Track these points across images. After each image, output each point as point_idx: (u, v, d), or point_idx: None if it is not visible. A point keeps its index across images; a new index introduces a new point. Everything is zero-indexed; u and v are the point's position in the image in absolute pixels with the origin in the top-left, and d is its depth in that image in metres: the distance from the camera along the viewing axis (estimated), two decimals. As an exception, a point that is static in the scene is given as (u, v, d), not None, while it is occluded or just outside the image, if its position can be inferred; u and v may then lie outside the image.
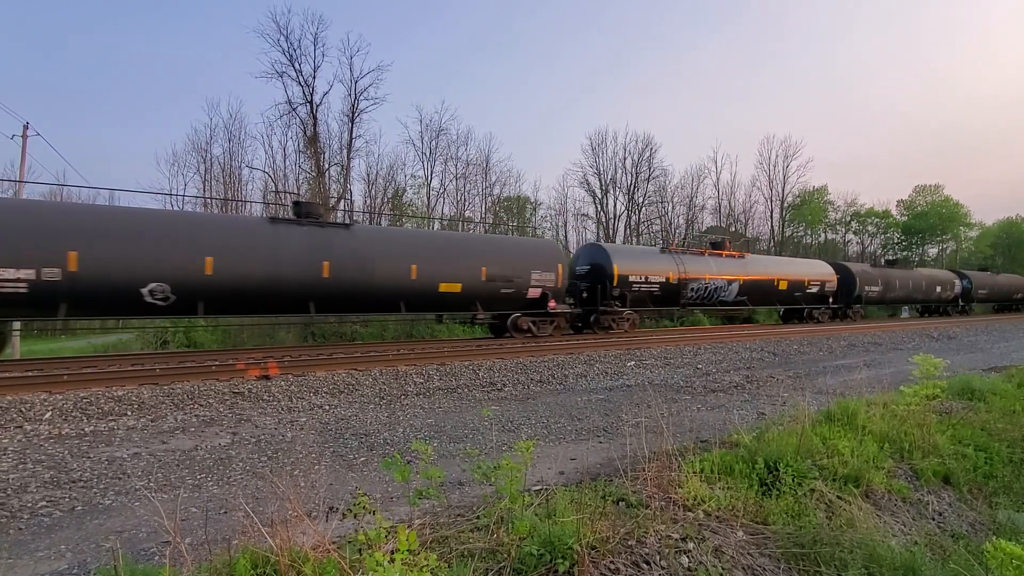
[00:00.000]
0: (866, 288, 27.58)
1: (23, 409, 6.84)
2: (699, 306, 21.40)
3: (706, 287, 20.54)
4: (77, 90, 61.12)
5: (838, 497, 4.68)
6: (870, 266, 29.89)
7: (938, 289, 33.02)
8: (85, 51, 64.34)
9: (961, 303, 35.54)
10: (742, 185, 65.49)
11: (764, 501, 4.34)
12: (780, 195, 49.51)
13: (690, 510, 3.96)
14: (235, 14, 68.44)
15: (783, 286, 23.80)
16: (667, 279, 19.30)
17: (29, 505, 4.18)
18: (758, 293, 22.88)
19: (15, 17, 60.46)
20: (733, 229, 47.76)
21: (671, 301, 20.01)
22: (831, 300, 26.06)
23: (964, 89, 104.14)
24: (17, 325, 14.76)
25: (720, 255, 22.10)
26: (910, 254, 56.04)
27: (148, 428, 6.55)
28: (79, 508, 4.16)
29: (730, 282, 21.42)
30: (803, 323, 25.48)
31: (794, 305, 25.38)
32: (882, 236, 57.69)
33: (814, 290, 25.16)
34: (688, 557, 3.45)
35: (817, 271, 26.08)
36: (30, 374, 9.24)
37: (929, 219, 55.44)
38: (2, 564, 3.26)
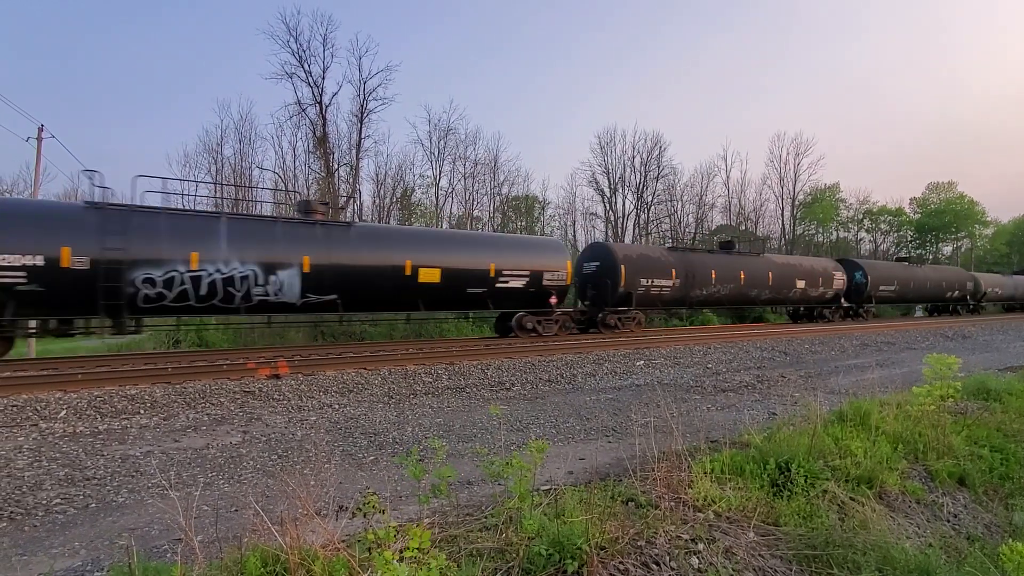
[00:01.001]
0: (643, 282, 17.79)
1: (38, 408, 6.94)
2: (188, 312, 11.47)
3: (197, 278, 11.04)
4: (90, 92, 61.93)
5: (851, 498, 4.63)
6: (667, 250, 20.20)
7: (801, 284, 23.07)
8: (97, 53, 65.17)
9: (845, 303, 26.06)
10: (752, 183, 64.97)
11: (775, 502, 4.30)
12: (791, 193, 49.12)
13: (700, 511, 3.93)
14: (245, 16, 68.98)
15: (430, 278, 13.66)
16: (38, 265, 9.66)
17: (44, 502, 4.23)
18: (367, 287, 13.11)
19: (28, 20, 61.40)
20: (743, 228, 47.46)
21: (77, 304, 10.33)
22: (533, 296, 15.72)
23: (976, 84, 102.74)
24: (33, 323, 14.94)
25: (270, 221, 12.65)
26: (924, 252, 55.40)
27: (160, 426, 6.62)
28: (93, 505, 4.21)
29: (271, 269, 11.83)
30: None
31: (457, 309, 15.49)
32: (895, 234, 57.10)
33: (517, 284, 15.11)
34: (698, 558, 3.43)
35: (528, 258, 15.61)
36: (45, 373, 9.37)
37: (943, 217, 54.77)
38: (18, 560, 3.30)
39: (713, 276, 20.17)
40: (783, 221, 49.12)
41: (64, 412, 6.91)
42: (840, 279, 25.39)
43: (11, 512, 4.03)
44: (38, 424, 6.50)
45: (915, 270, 30.60)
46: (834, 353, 14.83)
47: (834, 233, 53.93)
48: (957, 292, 32.92)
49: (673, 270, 19.04)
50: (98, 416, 6.91)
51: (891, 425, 6.14)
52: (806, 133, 75.38)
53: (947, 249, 57.48)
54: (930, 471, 5.77)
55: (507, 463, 3.40)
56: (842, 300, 25.83)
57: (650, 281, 18.35)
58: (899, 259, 34.08)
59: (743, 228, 47.31)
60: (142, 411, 7.18)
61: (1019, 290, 39.42)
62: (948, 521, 5.30)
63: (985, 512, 5.70)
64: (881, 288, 27.29)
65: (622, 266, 17.64)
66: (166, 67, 63.14)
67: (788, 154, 49.19)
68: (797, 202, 49.48)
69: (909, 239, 57.04)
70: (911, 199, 58.27)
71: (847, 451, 5.22)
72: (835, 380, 10.35)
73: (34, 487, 4.54)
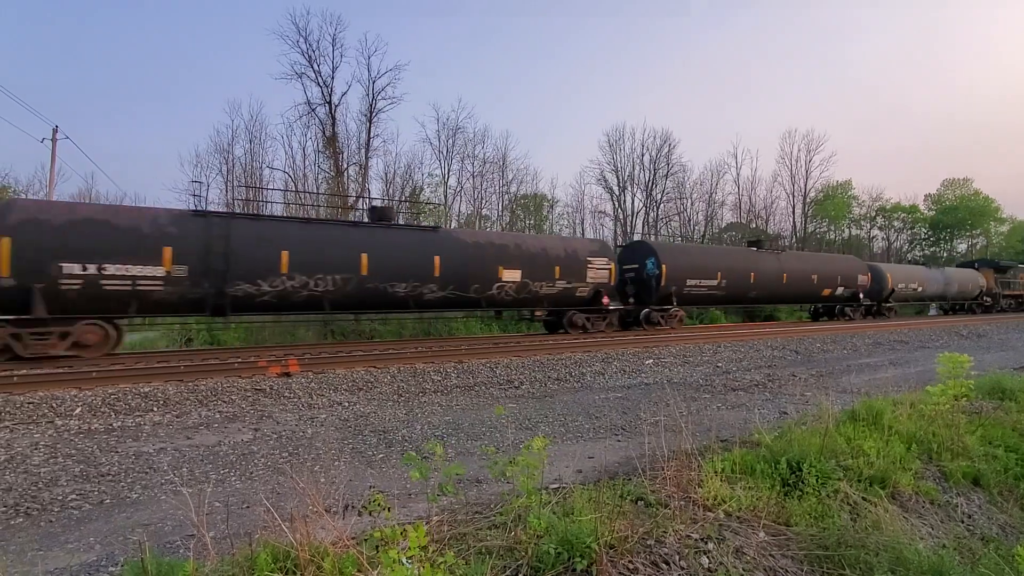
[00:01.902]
0: (76, 269, 10.38)
1: (54, 405, 7.04)
2: None
3: None
4: (102, 93, 62.68)
5: (863, 498, 4.58)
6: (177, 215, 12.01)
7: (511, 276, 14.99)
8: (108, 55, 65.90)
9: (614, 305, 17.21)
10: (763, 180, 64.71)
11: (786, 502, 4.27)
12: (803, 190, 48.67)
13: (710, 510, 3.91)
14: (255, 17, 69.43)
15: None
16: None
17: (60, 498, 4.30)
18: None
19: (41, 22, 62.23)
20: (754, 225, 47.14)
21: None
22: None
23: (991, 80, 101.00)
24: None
25: None
26: (938, 250, 54.70)
27: (173, 424, 6.69)
28: (107, 501, 4.27)
29: None
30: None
31: None
32: (908, 231, 56.42)
33: None
34: (708, 558, 3.41)
35: None
36: (61, 371, 9.51)
37: (958, 213, 54.01)
38: (34, 555, 3.35)
39: (285, 261, 12.04)
40: (794, 219, 48.73)
41: (79, 409, 7.01)
42: (603, 269, 16.75)
43: (27, 508, 4.10)
44: (54, 421, 6.60)
45: (762, 258, 21.73)
46: (846, 352, 14.69)
47: (846, 231, 53.41)
48: (843, 290, 24.27)
49: (169, 249, 11.12)
50: (112, 413, 7.00)
51: (904, 425, 6.07)
52: (817, 129, 74.80)
53: (962, 247, 56.67)
54: (944, 471, 5.70)
55: (510, 462, 3.39)
56: (605, 300, 16.74)
57: (97, 268, 10.52)
58: (751, 244, 24.14)
59: (754, 226, 47.00)
60: (155, 409, 7.27)
61: (954, 287, 31.17)
62: (962, 522, 5.24)
63: (1000, 513, 5.63)
64: (690, 283, 18.97)
65: (5, 239, 9.95)
66: (178, 68, 63.76)
67: (799, 151, 48.75)
68: (809, 199, 49.06)
69: (923, 236, 56.36)
70: (925, 196, 57.57)
71: (859, 451, 5.17)
72: (847, 379, 10.25)
73: (50, 483, 4.61)
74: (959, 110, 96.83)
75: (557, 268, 16.00)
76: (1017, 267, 37.37)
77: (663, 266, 18.22)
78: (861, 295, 25.25)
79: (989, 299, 33.74)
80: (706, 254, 21.25)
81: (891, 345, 16.20)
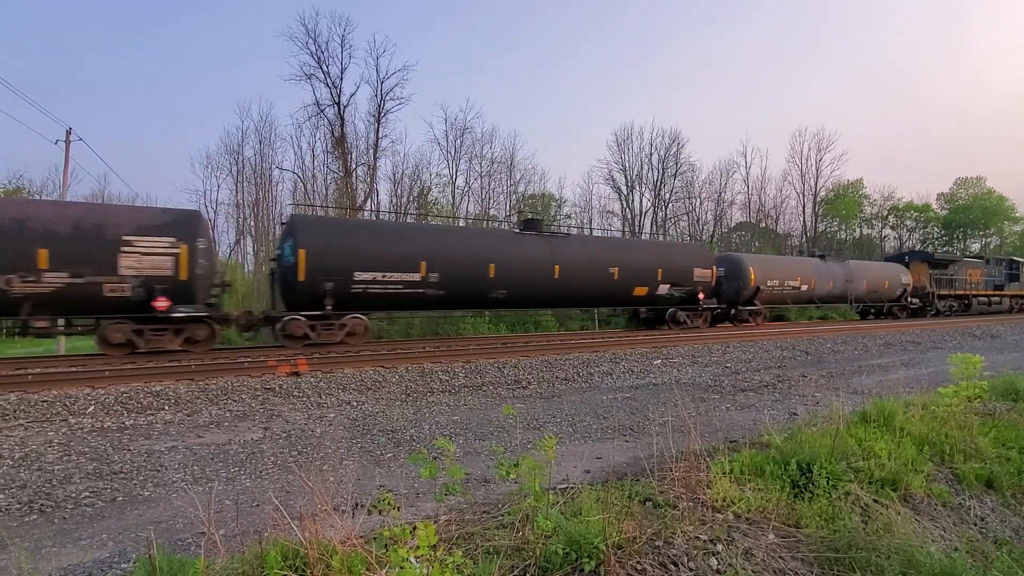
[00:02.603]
0: None
1: (68, 403, 7.13)
2: None
3: None
4: (114, 95, 63.39)
5: (874, 500, 4.54)
6: None
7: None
8: (120, 58, 66.61)
9: (177, 310, 11.29)
10: (773, 180, 63.93)
11: (796, 503, 4.23)
12: (813, 189, 48.33)
13: (719, 511, 3.89)
14: (264, 19, 69.97)
15: None
16: None
17: (73, 495, 4.35)
18: None
19: (54, 25, 63.00)
20: (763, 224, 46.85)
21: None
22: None
23: (1002, 77, 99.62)
24: (61, 322, 15.31)
25: None
26: (952, 250, 54.14)
27: (184, 422, 6.75)
28: (120, 499, 4.32)
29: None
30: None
31: None
32: (921, 231, 55.83)
33: None
34: (717, 559, 3.40)
35: None
36: (74, 369, 9.62)
37: (971, 212, 53.39)
38: (48, 552, 3.40)
39: None
40: (804, 218, 48.37)
41: (92, 408, 7.09)
42: (162, 255, 11.13)
43: (41, 504, 4.16)
44: (67, 419, 6.68)
45: (516, 243, 15.41)
46: (857, 352, 14.56)
47: (858, 230, 52.94)
48: (671, 288, 18.02)
49: None
50: (124, 412, 7.08)
51: (916, 426, 6.01)
52: (828, 128, 74.03)
53: (975, 246, 56.00)
54: (957, 473, 5.63)
55: (514, 464, 3.39)
56: (161, 303, 11.24)
57: None
58: (526, 223, 17.35)
59: (763, 225, 46.72)
60: (167, 407, 7.34)
61: (860, 286, 24.44)
62: (975, 524, 5.17)
63: (1013, 515, 5.56)
64: (363, 278, 12.76)
65: None
66: (188, 70, 64.35)
67: (810, 150, 48.49)
68: (819, 199, 48.67)
69: (936, 236, 55.74)
70: (938, 195, 56.96)
71: (871, 452, 5.12)
72: (858, 380, 10.15)
73: (63, 480, 4.67)
74: (973, 107, 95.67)
75: (43, 252, 10.04)
76: (962, 261, 31.02)
77: (301, 251, 11.99)
78: (701, 295, 18.83)
79: (917, 300, 27.14)
80: (399, 235, 14.40)
81: (903, 346, 16.04)
